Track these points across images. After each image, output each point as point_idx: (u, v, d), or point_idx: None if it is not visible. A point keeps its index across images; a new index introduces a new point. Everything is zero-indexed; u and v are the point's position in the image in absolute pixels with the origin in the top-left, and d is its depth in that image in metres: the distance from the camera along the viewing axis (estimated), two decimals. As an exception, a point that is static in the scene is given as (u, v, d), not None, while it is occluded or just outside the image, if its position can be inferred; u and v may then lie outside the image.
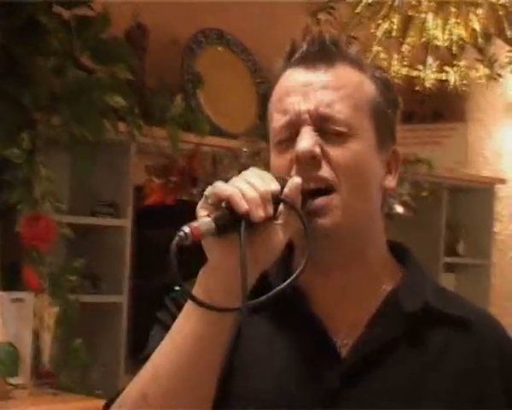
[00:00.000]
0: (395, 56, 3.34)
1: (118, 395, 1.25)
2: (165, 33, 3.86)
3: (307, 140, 1.21)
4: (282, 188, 1.16)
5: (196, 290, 1.14)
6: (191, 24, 3.91)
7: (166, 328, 1.22)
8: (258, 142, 3.44)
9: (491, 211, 4.88)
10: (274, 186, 1.14)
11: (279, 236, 1.14)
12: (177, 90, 3.69)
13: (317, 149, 1.21)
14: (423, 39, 3.34)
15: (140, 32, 3.69)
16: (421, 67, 3.46)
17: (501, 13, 3.21)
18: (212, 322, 1.15)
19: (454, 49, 3.32)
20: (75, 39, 3.29)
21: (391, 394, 1.21)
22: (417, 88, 3.53)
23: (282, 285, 1.12)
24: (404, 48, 3.36)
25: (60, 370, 3.18)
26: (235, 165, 3.59)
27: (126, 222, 3.57)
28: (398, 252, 1.33)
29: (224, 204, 1.11)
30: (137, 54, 3.60)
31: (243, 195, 1.11)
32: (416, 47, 3.35)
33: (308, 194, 1.19)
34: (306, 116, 1.22)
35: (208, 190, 1.12)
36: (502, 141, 4.98)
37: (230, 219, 1.10)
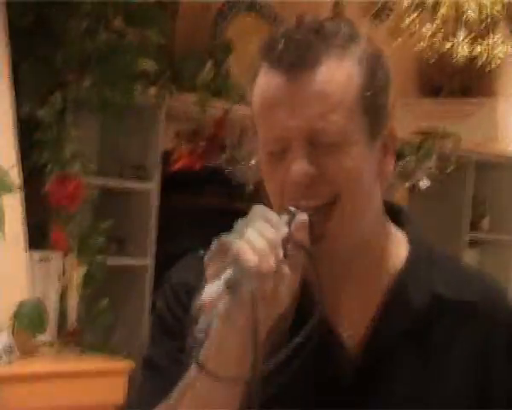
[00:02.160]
0: (428, 27, 3.34)
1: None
2: (196, -1, 3.86)
3: (301, 163, 1.15)
4: (289, 223, 1.12)
5: (203, 357, 1.10)
6: (224, -11, 3.91)
7: (168, 333, 1.23)
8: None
9: (518, 188, 4.90)
10: (283, 230, 1.11)
11: (290, 277, 1.11)
12: (207, 56, 3.72)
13: (312, 170, 1.15)
14: (456, 12, 3.35)
15: (172, -4, 3.68)
16: (452, 40, 3.49)
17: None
18: (226, 391, 1.12)
19: (486, 23, 3.33)
20: (108, 2, 3.33)
21: (401, 390, 1.20)
22: (448, 62, 3.57)
23: (294, 342, 1.09)
24: (437, 20, 3.37)
25: (85, 329, 3.23)
26: None
27: (153, 186, 3.59)
28: (399, 218, 1.27)
29: (232, 259, 1.07)
30: (169, 18, 3.63)
31: (252, 246, 1.07)
32: (448, 20, 3.36)
33: (311, 213, 1.15)
34: (296, 131, 1.14)
35: (215, 246, 1.08)
36: (531, 117, 5.01)
37: (241, 277, 1.06)
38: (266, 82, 1.17)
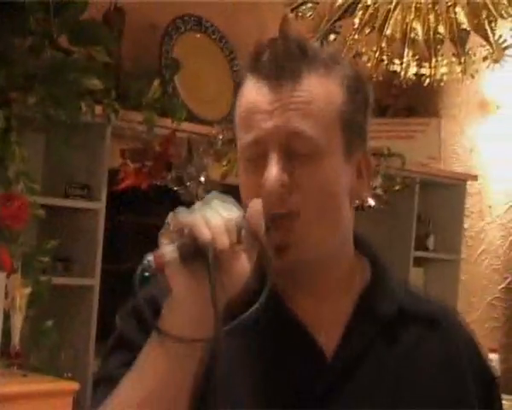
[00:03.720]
0: (373, 49, 3.37)
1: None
2: (143, 18, 3.87)
3: (275, 170, 1.18)
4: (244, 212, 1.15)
5: (162, 325, 1.12)
6: (170, 9, 3.92)
7: (128, 346, 1.22)
8: (234, 129, 3.45)
9: (462, 207, 4.91)
10: (236, 212, 1.13)
11: (243, 262, 1.12)
12: (154, 74, 3.70)
13: (285, 178, 1.19)
14: (401, 33, 3.37)
15: (118, 15, 3.69)
16: (398, 61, 3.49)
17: (479, 9, 3.25)
18: (186, 354, 1.12)
19: (432, 43, 3.36)
20: (53, 20, 3.30)
21: (374, 393, 1.23)
22: (394, 82, 3.59)
23: (249, 311, 1.11)
24: (383, 41, 3.38)
25: (30, 351, 3.18)
26: (210, 151, 3.61)
27: (100, 205, 3.57)
28: (362, 244, 1.31)
29: (186, 231, 1.08)
30: (115, 37, 3.61)
31: (207, 222, 1.09)
32: (394, 41, 3.38)
33: (270, 219, 1.16)
34: (273, 136, 1.19)
35: (170, 217, 1.10)
36: (474, 138, 5.04)
37: (194, 248, 1.08)
38: (249, 90, 1.21)
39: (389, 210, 4.17)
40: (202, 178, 3.55)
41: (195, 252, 1.07)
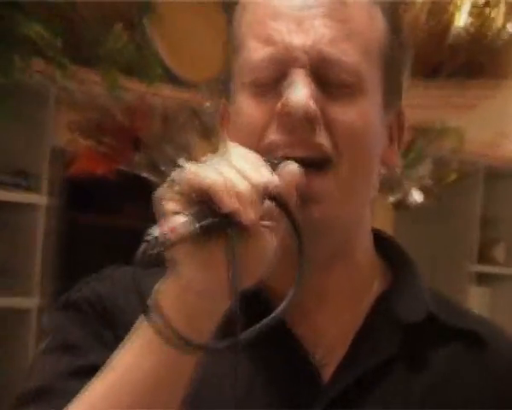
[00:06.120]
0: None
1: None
2: None
3: (302, 91, 1.17)
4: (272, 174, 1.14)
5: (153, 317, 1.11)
6: None
7: (71, 351, 1.23)
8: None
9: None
10: (265, 174, 1.10)
11: (268, 241, 1.10)
12: (116, 18, 3.47)
13: (314, 106, 1.18)
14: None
15: None
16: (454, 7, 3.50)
17: None
18: (179, 360, 1.10)
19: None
20: None
21: None
22: (451, 30, 3.59)
23: (271, 316, 1.09)
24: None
25: None
26: (194, 124, 3.49)
27: (40, 198, 3.52)
28: (385, 246, 1.34)
29: (203, 197, 1.06)
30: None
31: (232, 187, 1.06)
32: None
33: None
34: (301, 54, 1.18)
35: (177, 175, 1.08)
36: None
37: (213, 220, 1.06)
38: None
39: (442, 208, 4.12)
40: (182, 161, 3.27)
41: (215, 227, 1.06)
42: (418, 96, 4.14)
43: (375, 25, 1.24)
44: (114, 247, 3.59)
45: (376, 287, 1.30)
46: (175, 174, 1.08)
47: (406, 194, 3.88)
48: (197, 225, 1.04)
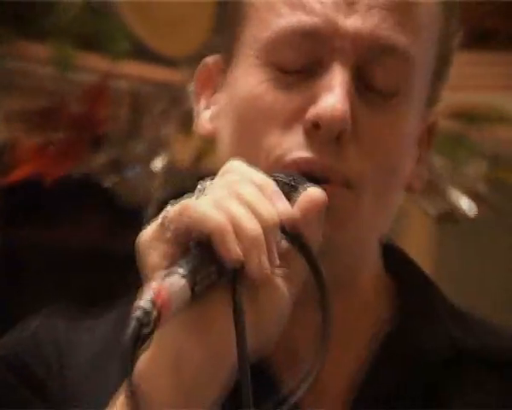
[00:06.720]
0: None
1: None
2: None
3: (341, 103, 1.13)
4: (288, 198, 1.10)
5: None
6: None
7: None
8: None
9: None
10: (285, 210, 1.05)
11: (283, 293, 1.04)
12: None
13: (350, 122, 1.14)
14: None
15: None
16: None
17: None
18: None
19: None
20: None
21: None
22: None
23: (296, 393, 1.04)
24: None
25: None
26: (172, 114, 3.28)
27: None
28: (396, 261, 1.33)
29: (200, 238, 1.01)
30: None
31: (237, 226, 1.00)
32: None
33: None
34: (347, 43, 1.14)
35: (168, 216, 1.01)
36: None
37: (217, 277, 1.02)
38: None
39: (498, 221, 3.77)
40: (158, 162, 3.17)
41: (212, 279, 1.04)
42: (465, 73, 3.93)
43: (434, 10, 1.22)
44: (67, 270, 3.61)
45: (383, 312, 1.28)
46: (164, 214, 1.04)
47: (453, 204, 3.58)
48: (197, 288, 1.01)
